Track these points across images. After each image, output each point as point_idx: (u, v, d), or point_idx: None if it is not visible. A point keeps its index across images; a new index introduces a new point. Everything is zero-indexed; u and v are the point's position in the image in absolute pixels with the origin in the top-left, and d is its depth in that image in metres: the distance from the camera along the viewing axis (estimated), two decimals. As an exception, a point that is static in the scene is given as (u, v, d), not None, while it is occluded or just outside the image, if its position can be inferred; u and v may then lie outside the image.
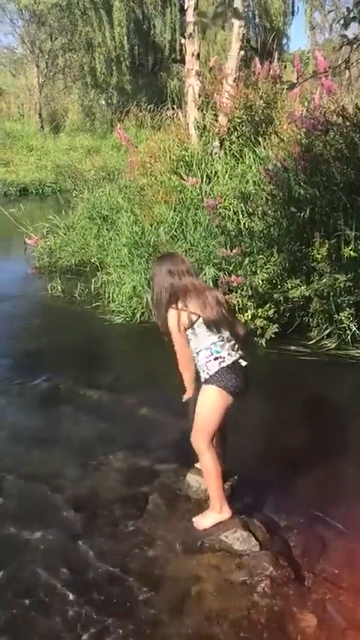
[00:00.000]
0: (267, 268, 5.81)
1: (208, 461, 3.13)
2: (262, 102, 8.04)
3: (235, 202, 6.73)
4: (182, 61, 9.68)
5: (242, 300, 5.81)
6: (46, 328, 6.95)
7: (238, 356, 3.09)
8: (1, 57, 32.00)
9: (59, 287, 8.02)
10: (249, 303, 5.80)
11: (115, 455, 3.93)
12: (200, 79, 8.47)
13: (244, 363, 3.09)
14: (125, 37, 28.17)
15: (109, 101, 29.67)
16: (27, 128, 25.39)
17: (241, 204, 6.66)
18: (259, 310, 5.78)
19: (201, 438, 3.12)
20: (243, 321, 5.86)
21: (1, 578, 2.89)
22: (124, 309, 6.78)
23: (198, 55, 8.45)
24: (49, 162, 21.25)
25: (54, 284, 8.08)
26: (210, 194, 7.13)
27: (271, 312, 5.77)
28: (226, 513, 3.17)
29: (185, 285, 3.08)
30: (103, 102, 29.81)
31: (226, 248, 6.08)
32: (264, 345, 5.73)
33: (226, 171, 7.57)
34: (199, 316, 3.04)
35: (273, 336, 5.75)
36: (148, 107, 23.74)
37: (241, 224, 6.52)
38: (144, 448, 4.02)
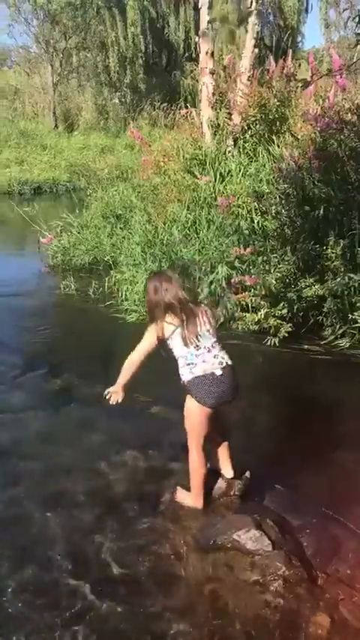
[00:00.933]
0: (280, 267, 5.79)
1: (193, 458, 3.35)
2: (276, 100, 8.02)
3: (248, 201, 6.72)
4: (196, 60, 9.69)
5: (255, 299, 5.81)
6: (59, 326, 6.99)
7: (216, 364, 3.23)
8: (16, 56, 32.22)
9: (73, 285, 8.05)
10: (262, 302, 5.79)
11: (128, 453, 3.94)
12: (214, 78, 8.46)
13: (219, 373, 3.21)
14: (140, 36, 28.21)
15: (123, 100, 29.74)
16: (41, 127, 25.54)
17: (255, 203, 6.65)
18: (273, 309, 5.77)
19: (189, 438, 3.34)
20: (256, 320, 5.87)
21: (17, 575, 2.91)
22: (137, 307, 6.79)
23: (212, 53, 8.44)
24: (63, 160, 21.38)
25: (67, 282, 8.12)
26: (223, 193, 7.12)
27: (284, 312, 5.76)
28: (198, 505, 3.38)
29: (168, 301, 3.29)
30: (117, 101, 29.88)
31: (240, 247, 6.07)
32: (277, 344, 5.72)
33: (240, 170, 7.55)
34: (176, 328, 3.26)
35: (286, 335, 5.74)
36: (162, 106, 23.79)
37: (255, 223, 6.51)
38: (157, 446, 4.03)
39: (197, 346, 3.23)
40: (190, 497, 3.41)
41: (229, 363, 3.29)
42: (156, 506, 3.44)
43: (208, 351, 3.25)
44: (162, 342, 3.32)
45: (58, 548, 3.10)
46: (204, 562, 3.00)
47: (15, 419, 4.50)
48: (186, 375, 3.23)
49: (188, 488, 3.42)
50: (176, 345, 3.27)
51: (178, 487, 3.49)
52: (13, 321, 7.05)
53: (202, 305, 3.46)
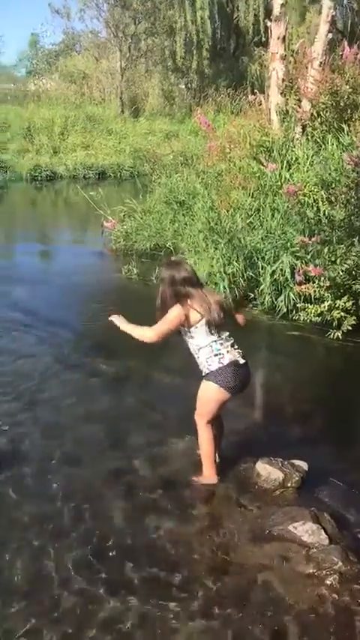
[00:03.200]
0: (347, 258, 5.66)
1: (203, 438, 3.46)
2: (348, 87, 7.77)
3: (315, 189, 6.57)
4: (264, 45, 9.50)
5: (319, 291, 5.70)
6: (121, 310, 7.05)
7: (237, 354, 3.34)
8: (86, 41, 32.53)
9: (135, 270, 8.12)
10: (326, 294, 5.68)
11: (185, 439, 3.96)
12: (284, 63, 8.30)
13: (242, 361, 3.34)
14: (208, 21, 27.91)
15: (189, 85, 29.59)
16: (107, 112, 25.73)
17: (322, 192, 6.50)
18: (337, 302, 5.65)
19: (200, 419, 3.44)
20: (318, 311, 5.76)
21: (69, 557, 2.98)
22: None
23: (284, 38, 8.27)
24: (128, 146, 21.52)
25: (129, 267, 8.20)
26: (290, 181, 7.00)
27: (349, 304, 5.63)
28: (213, 479, 3.49)
29: (189, 291, 3.31)
30: (183, 86, 29.77)
31: (305, 236, 5.97)
32: (339, 337, 5.61)
33: (308, 158, 7.39)
34: (202, 317, 3.28)
35: (350, 328, 5.61)
36: (228, 91, 23.52)
37: (321, 212, 6.37)
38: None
39: (220, 336, 3.33)
40: (204, 477, 3.50)
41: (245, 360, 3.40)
42: (212, 494, 3.46)
43: (226, 340, 3.36)
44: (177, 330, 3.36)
45: (113, 527, 3.15)
46: (258, 551, 3.00)
47: (70, 399, 4.60)
48: (214, 365, 3.31)
49: (244, 477, 3.42)
50: (200, 333, 3.32)
51: (192, 478, 3.54)
52: (76, 303, 7.21)
53: (216, 294, 3.50)
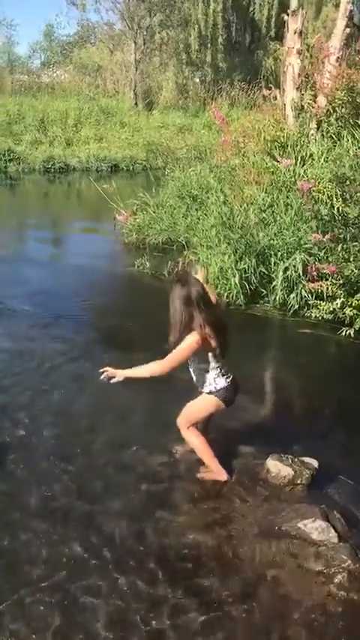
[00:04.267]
0: (360, 256, 5.63)
1: (194, 441, 3.54)
2: (365, 83, 7.71)
3: (330, 186, 6.53)
4: (279, 39, 9.43)
5: (332, 288, 5.67)
6: (133, 304, 7.09)
7: (231, 374, 3.49)
8: (101, 33, 32.44)
9: (147, 264, 8.13)
10: (339, 292, 5.66)
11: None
12: (301, 58, 8.24)
13: (233, 379, 3.49)
14: (220, 14, 27.71)
15: (203, 79, 29.45)
16: (121, 105, 25.64)
17: (337, 189, 6.45)
18: (350, 299, 5.62)
19: (185, 425, 3.54)
20: (331, 309, 5.74)
21: (76, 547, 3.00)
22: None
23: (300, 32, 8.21)
24: (141, 139, 21.44)
25: (142, 260, 8.20)
26: (304, 177, 6.96)
27: (362, 302, 5.61)
28: (222, 477, 3.51)
29: (205, 315, 3.26)
30: (197, 79, 29.63)
31: (318, 233, 5.94)
32: (352, 335, 5.59)
33: (322, 154, 7.35)
34: (216, 347, 3.35)
35: (362, 326, 5.60)
36: (242, 85, 23.39)
37: (335, 209, 6.33)
38: (224, 430, 4.03)
39: (223, 357, 3.46)
40: (211, 473, 3.53)
41: None
42: (222, 489, 3.47)
43: (224, 363, 3.49)
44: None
45: (120, 523, 3.16)
46: (267, 548, 3.00)
47: (77, 392, 4.63)
48: (221, 383, 3.44)
49: (254, 473, 3.42)
50: (211, 358, 3.40)
51: (198, 475, 3.57)
52: (88, 296, 7.22)
53: (223, 314, 3.55)
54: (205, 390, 3.49)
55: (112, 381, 3.35)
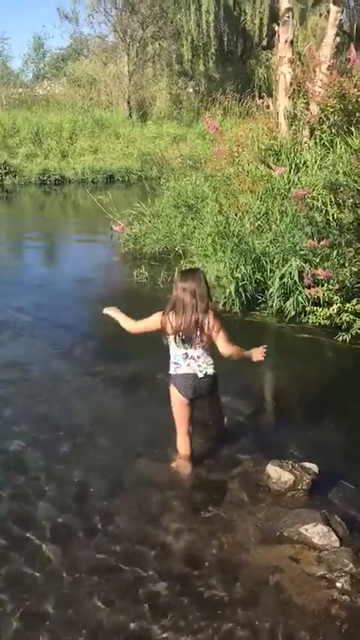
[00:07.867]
0: (356, 261, 5.66)
1: (178, 441, 3.75)
2: (356, 90, 7.78)
3: (324, 193, 6.58)
4: (271, 48, 9.53)
5: (328, 294, 5.71)
6: (132, 314, 7.07)
7: (197, 371, 3.58)
8: (94, 46, 32.64)
9: (145, 273, 8.15)
10: (335, 297, 5.69)
11: (196, 442, 3.97)
12: (292, 67, 8.32)
13: (200, 375, 3.59)
14: (212, 25, 27.93)
15: (197, 89, 29.64)
16: (115, 116, 25.80)
17: (331, 195, 6.50)
18: (346, 305, 5.65)
19: (175, 422, 3.73)
20: (327, 314, 5.77)
21: (75, 558, 3.02)
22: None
23: (291, 42, 8.30)
24: (136, 150, 21.56)
25: (140, 270, 8.23)
26: (298, 184, 7.01)
27: (358, 307, 5.63)
28: (186, 467, 3.71)
29: (176, 300, 3.56)
30: (191, 89, 29.82)
31: (314, 239, 5.98)
32: (348, 340, 5.61)
33: (316, 161, 7.41)
34: (172, 333, 3.56)
35: (359, 331, 5.62)
36: (235, 95, 23.55)
37: (330, 215, 6.38)
38: (225, 437, 4.06)
39: (186, 354, 3.58)
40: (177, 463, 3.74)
41: (210, 373, 3.62)
42: (223, 495, 3.49)
43: (194, 360, 3.59)
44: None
45: (123, 528, 3.19)
46: (269, 553, 3.02)
47: (79, 402, 4.65)
48: (171, 370, 3.65)
49: (255, 479, 3.46)
50: (171, 342, 3.62)
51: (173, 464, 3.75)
52: (86, 307, 7.23)
53: (209, 315, 3.55)
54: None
55: (105, 310, 4.01)
